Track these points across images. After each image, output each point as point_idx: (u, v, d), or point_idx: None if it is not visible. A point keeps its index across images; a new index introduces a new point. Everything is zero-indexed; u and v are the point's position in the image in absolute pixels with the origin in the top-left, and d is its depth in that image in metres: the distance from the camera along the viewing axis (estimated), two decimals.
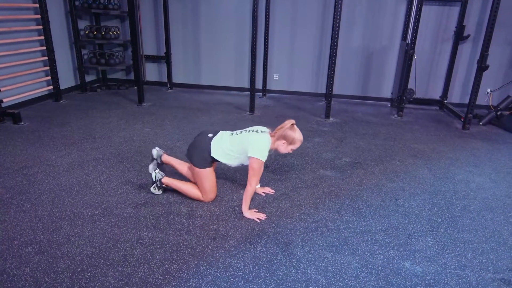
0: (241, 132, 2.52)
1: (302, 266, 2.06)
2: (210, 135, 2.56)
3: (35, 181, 2.87)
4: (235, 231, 2.34)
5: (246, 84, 5.87)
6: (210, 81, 6.04)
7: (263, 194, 2.78)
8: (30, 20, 4.70)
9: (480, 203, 2.80)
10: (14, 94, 4.49)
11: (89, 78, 5.98)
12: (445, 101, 5.32)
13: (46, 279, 1.88)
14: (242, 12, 5.55)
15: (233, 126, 4.24)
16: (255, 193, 2.79)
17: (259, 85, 5.80)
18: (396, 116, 4.95)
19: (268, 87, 5.84)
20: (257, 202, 2.69)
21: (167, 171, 2.84)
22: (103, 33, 5.47)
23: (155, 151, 2.81)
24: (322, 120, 4.70)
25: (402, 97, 4.77)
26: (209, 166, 2.56)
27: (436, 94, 5.49)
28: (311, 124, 4.52)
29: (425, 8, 4.97)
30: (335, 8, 4.26)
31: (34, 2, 4.65)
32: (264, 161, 2.41)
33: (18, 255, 2.04)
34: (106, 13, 5.59)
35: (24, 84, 4.60)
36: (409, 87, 4.78)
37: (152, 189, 2.72)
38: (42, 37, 4.76)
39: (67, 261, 2.02)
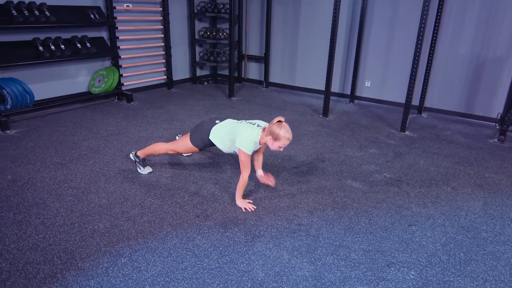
0: (241, 122, 2.66)
1: (252, 258, 2.11)
2: (217, 121, 2.79)
3: (108, 145, 3.64)
4: (219, 214, 2.53)
5: (335, 88, 5.75)
6: (302, 83, 6.16)
7: (268, 182, 2.82)
8: (156, 21, 5.76)
9: None
10: (135, 80, 5.62)
11: (203, 72, 6.90)
12: None
13: (63, 214, 2.47)
14: (339, 17, 5.44)
15: (296, 127, 4.30)
16: (270, 189, 2.87)
17: (347, 90, 5.62)
18: (495, 140, 4.10)
19: (358, 94, 5.60)
20: (258, 195, 2.79)
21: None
22: (214, 34, 6.23)
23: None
24: (395, 133, 4.29)
25: (505, 117, 3.93)
26: (198, 148, 2.81)
27: None
28: (379, 135, 4.19)
29: None
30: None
31: (161, 6, 5.68)
32: (250, 154, 2.51)
33: (59, 194, 2.72)
34: (219, 16, 6.34)
35: (143, 72, 5.70)
36: None
37: (138, 170, 3.08)
38: (163, 35, 5.78)
39: (85, 205, 2.58)
